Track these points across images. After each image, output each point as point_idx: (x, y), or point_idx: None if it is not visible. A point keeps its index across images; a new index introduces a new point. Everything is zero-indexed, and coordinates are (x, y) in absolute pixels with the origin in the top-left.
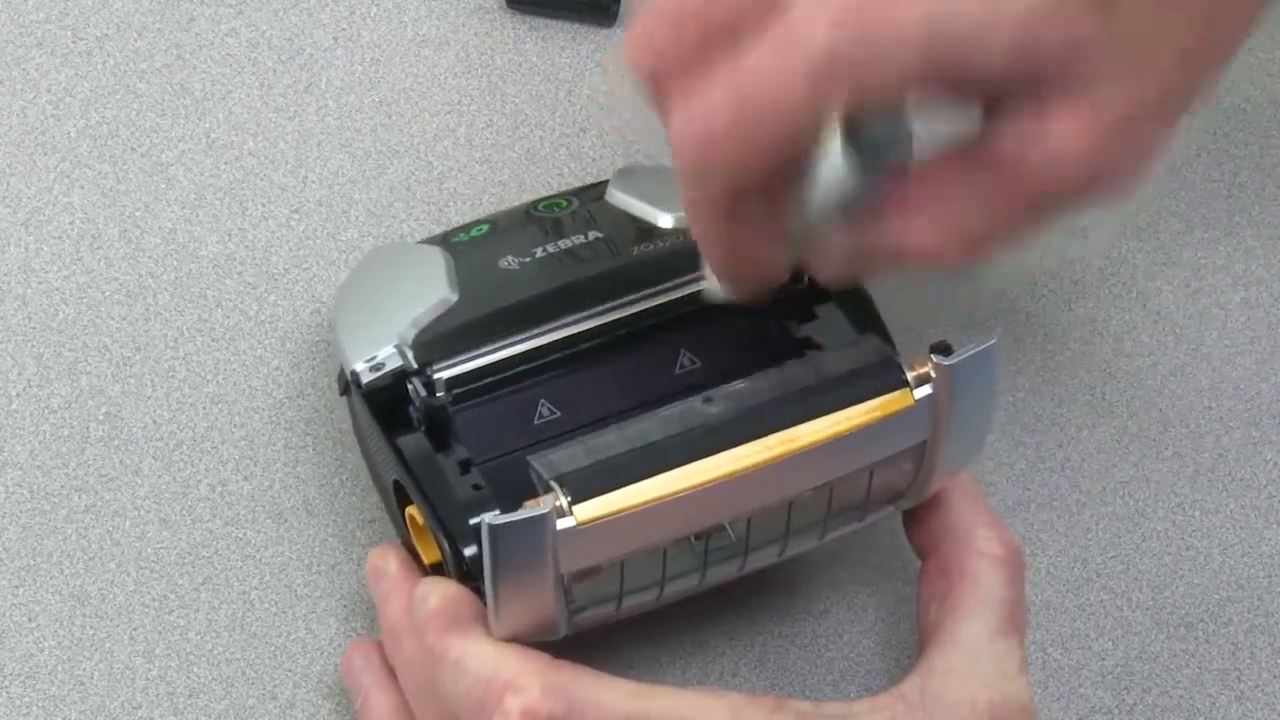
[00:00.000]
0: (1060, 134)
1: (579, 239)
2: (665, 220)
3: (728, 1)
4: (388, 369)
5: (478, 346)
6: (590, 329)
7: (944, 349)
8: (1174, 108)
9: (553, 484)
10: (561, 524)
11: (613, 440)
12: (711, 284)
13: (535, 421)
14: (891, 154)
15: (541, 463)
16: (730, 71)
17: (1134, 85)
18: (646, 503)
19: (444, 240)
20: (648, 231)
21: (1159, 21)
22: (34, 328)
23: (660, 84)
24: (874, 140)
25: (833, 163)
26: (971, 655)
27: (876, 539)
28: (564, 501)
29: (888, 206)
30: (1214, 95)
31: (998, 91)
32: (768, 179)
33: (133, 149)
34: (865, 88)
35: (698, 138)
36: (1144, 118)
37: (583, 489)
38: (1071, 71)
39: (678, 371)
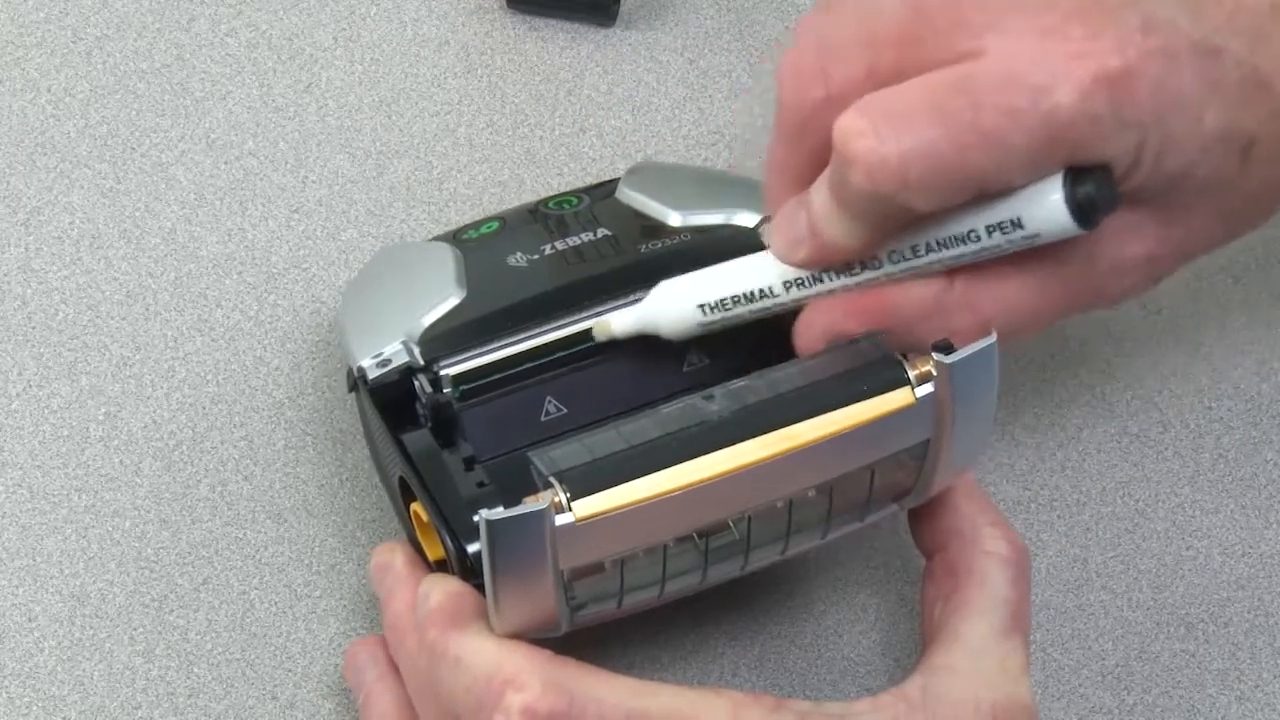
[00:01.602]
0: (1134, 247)
1: (588, 236)
2: (674, 218)
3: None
4: (394, 365)
5: (485, 343)
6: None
7: (945, 347)
8: (1237, 235)
9: (552, 480)
10: (561, 520)
11: (613, 437)
12: (620, 321)
13: (542, 418)
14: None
15: (541, 459)
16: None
17: (1223, 226)
18: (646, 499)
19: (453, 237)
20: (657, 229)
21: (1269, 180)
22: (34, 328)
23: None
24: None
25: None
26: (975, 655)
27: (877, 539)
28: (563, 498)
29: (956, 276)
30: None
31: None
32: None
33: (133, 149)
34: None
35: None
36: (1205, 244)
37: (582, 485)
38: (1176, 183)
39: (685, 369)
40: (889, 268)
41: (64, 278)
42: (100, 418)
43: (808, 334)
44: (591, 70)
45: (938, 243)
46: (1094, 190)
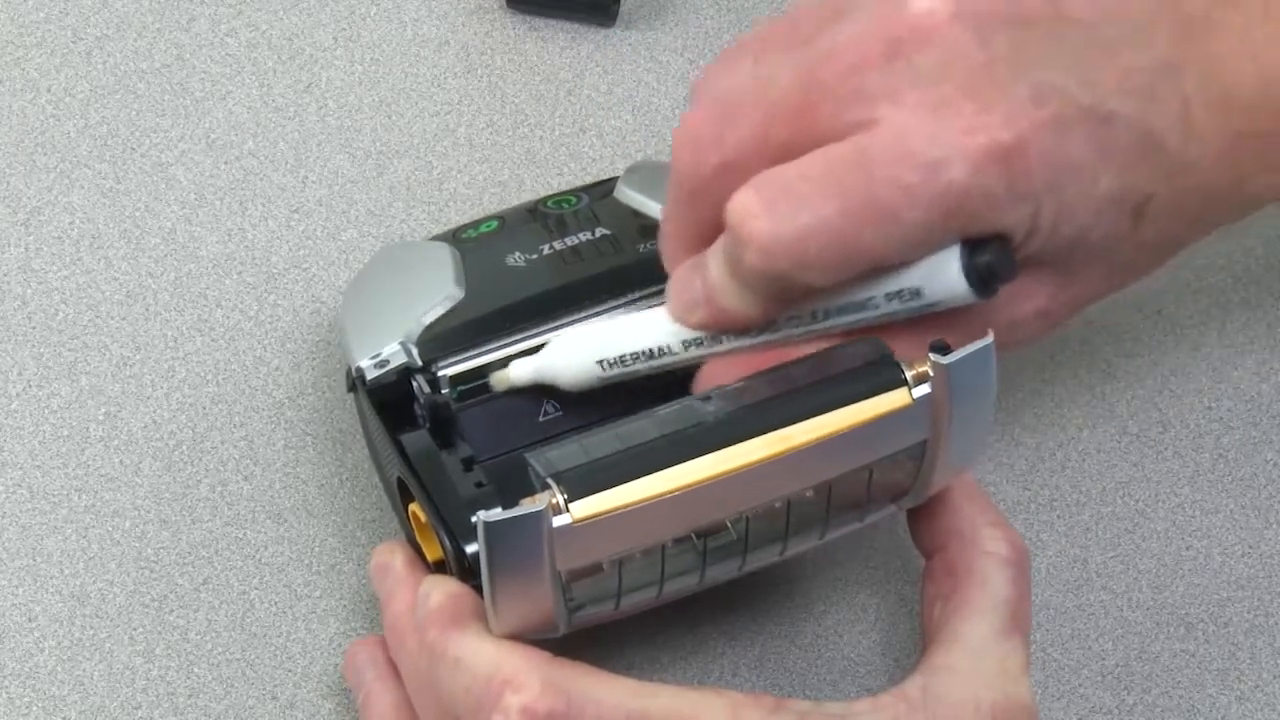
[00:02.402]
0: (1030, 303)
1: (586, 236)
2: None
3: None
4: (392, 366)
5: (483, 343)
6: None
7: (942, 348)
8: (1130, 282)
9: (550, 481)
10: (558, 521)
11: (610, 438)
12: (519, 371)
13: (540, 419)
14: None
15: (539, 460)
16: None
17: (1116, 278)
18: (643, 500)
19: (452, 237)
20: (655, 229)
21: (1162, 234)
22: (34, 328)
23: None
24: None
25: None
26: (975, 655)
27: (877, 539)
28: (561, 499)
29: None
30: None
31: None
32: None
33: (133, 149)
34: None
35: (792, 240)
36: (1100, 295)
37: (579, 486)
38: (1070, 244)
39: (681, 371)
40: (788, 330)
41: (64, 278)
42: (100, 418)
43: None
44: (591, 70)
45: (837, 309)
46: (992, 260)
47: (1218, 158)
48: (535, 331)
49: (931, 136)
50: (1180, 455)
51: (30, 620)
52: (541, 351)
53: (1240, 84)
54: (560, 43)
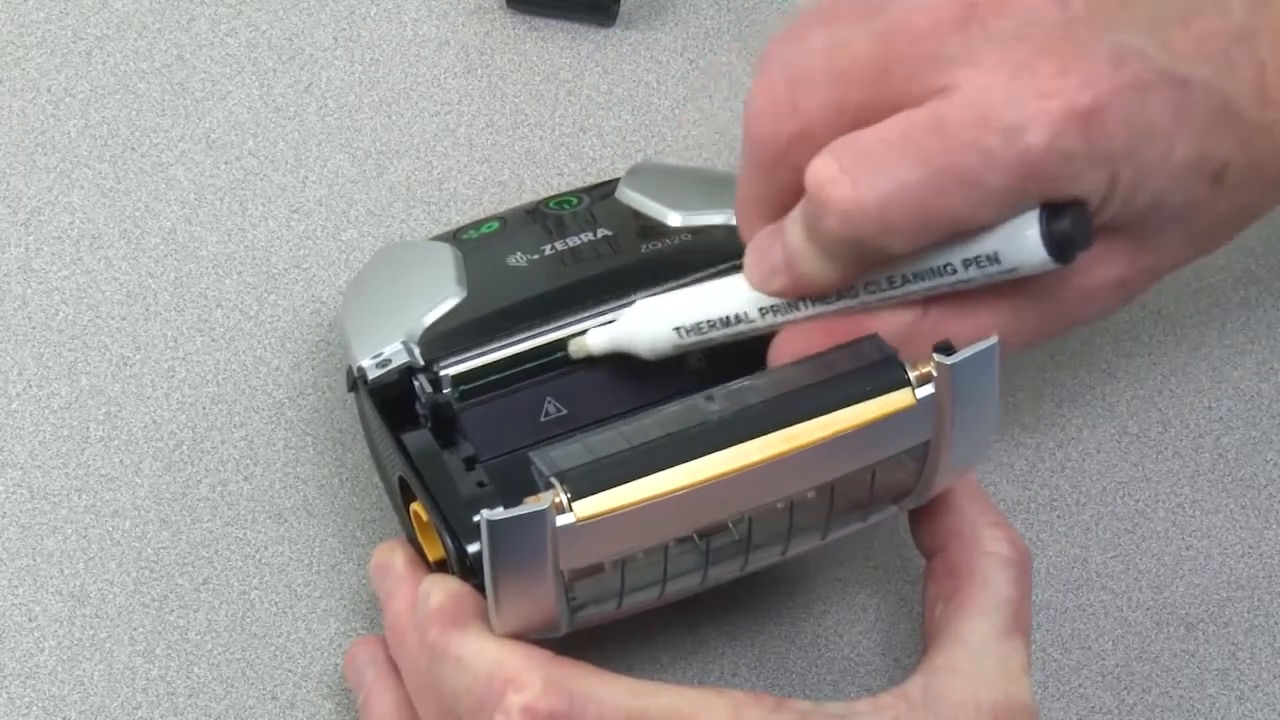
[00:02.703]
0: (1107, 272)
1: (588, 236)
2: (674, 219)
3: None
4: (394, 365)
5: (485, 343)
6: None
7: (946, 348)
8: (1205, 254)
9: (553, 480)
10: (561, 520)
11: (614, 437)
12: (597, 339)
13: (542, 419)
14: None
15: (542, 459)
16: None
17: (1193, 247)
18: (646, 500)
19: (453, 237)
20: (657, 230)
21: (1239, 201)
22: (34, 328)
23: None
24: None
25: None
26: (976, 655)
27: (877, 539)
28: (564, 498)
29: (930, 304)
30: None
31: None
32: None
33: (133, 149)
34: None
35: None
36: (1174, 266)
37: (583, 486)
38: (1147, 212)
39: (686, 369)
40: (865, 297)
41: (64, 278)
42: (100, 418)
43: (781, 360)
44: (591, 70)
45: (914, 275)
46: (1070, 226)
47: None
48: (537, 331)
49: (1010, 100)
50: (1180, 455)
51: (30, 620)
52: (619, 319)
53: None
54: (560, 43)
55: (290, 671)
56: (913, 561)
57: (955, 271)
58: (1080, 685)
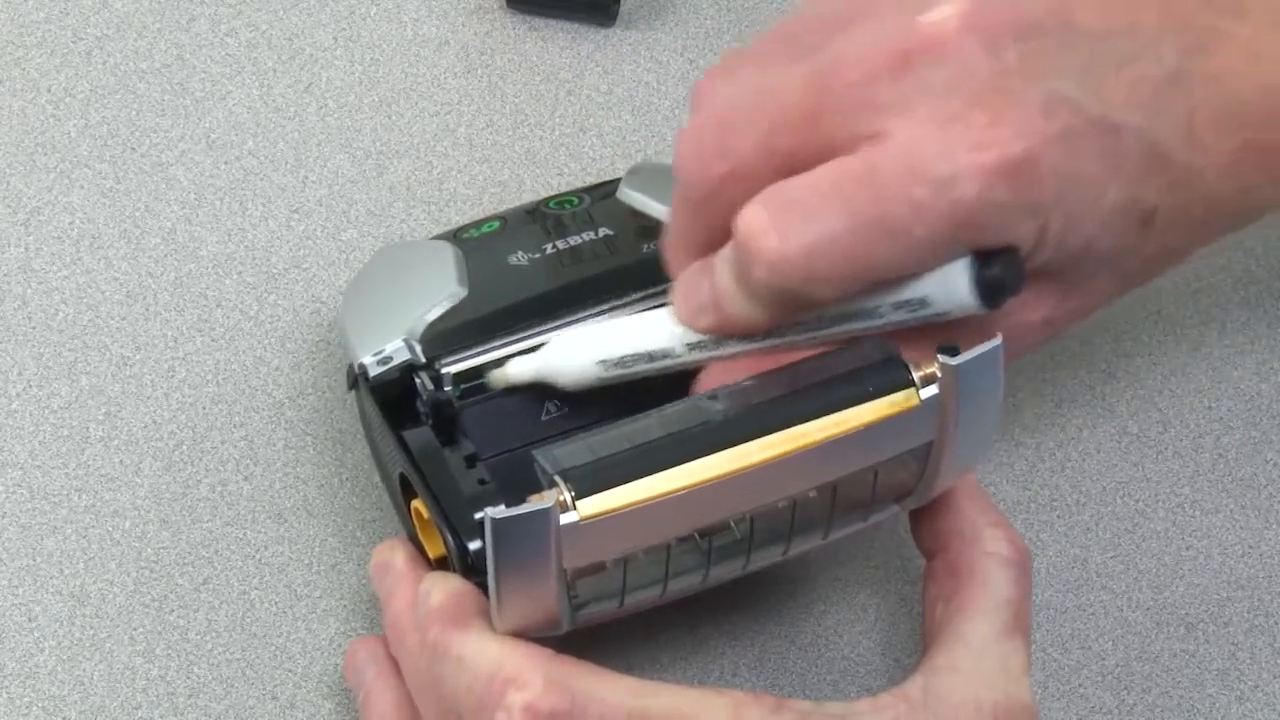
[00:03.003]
0: (1036, 311)
1: (589, 236)
2: None
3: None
4: (395, 363)
5: (486, 341)
6: None
7: (950, 349)
8: (1134, 288)
9: (557, 479)
10: (565, 519)
11: (617, 436)
12: (518, 370)
13: (542, 417)
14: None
15: (546, 457)
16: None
17: (1119, 286)
18: (650, 499)
19: (454, 236)
20: (657, 229)
21: (1168, 243)
22: (34, 328)
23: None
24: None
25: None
26: (977, 655)
27: (877, 539)
28: (568, 496)
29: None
30: None
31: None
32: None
33: (133, 149)
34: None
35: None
36: (1103, 303)
37: (586, 484)
38: (1076, 254)
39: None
40: (792, 337)
41: (64, 278)
42: (100, 418)
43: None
44: (591, 70)
45: (842, 316)
46: (1001, 272)
47: (1223, 168)
48: (538, 330)
49: (942, 152)
50: (1180, 455)
51: (30, 620)
52: (541, 350)
53: (1246, 95)
54: (560, 43)
55: (290, 671)
56: (913, 561)
57: (884, 315)
58: (1080, 685)
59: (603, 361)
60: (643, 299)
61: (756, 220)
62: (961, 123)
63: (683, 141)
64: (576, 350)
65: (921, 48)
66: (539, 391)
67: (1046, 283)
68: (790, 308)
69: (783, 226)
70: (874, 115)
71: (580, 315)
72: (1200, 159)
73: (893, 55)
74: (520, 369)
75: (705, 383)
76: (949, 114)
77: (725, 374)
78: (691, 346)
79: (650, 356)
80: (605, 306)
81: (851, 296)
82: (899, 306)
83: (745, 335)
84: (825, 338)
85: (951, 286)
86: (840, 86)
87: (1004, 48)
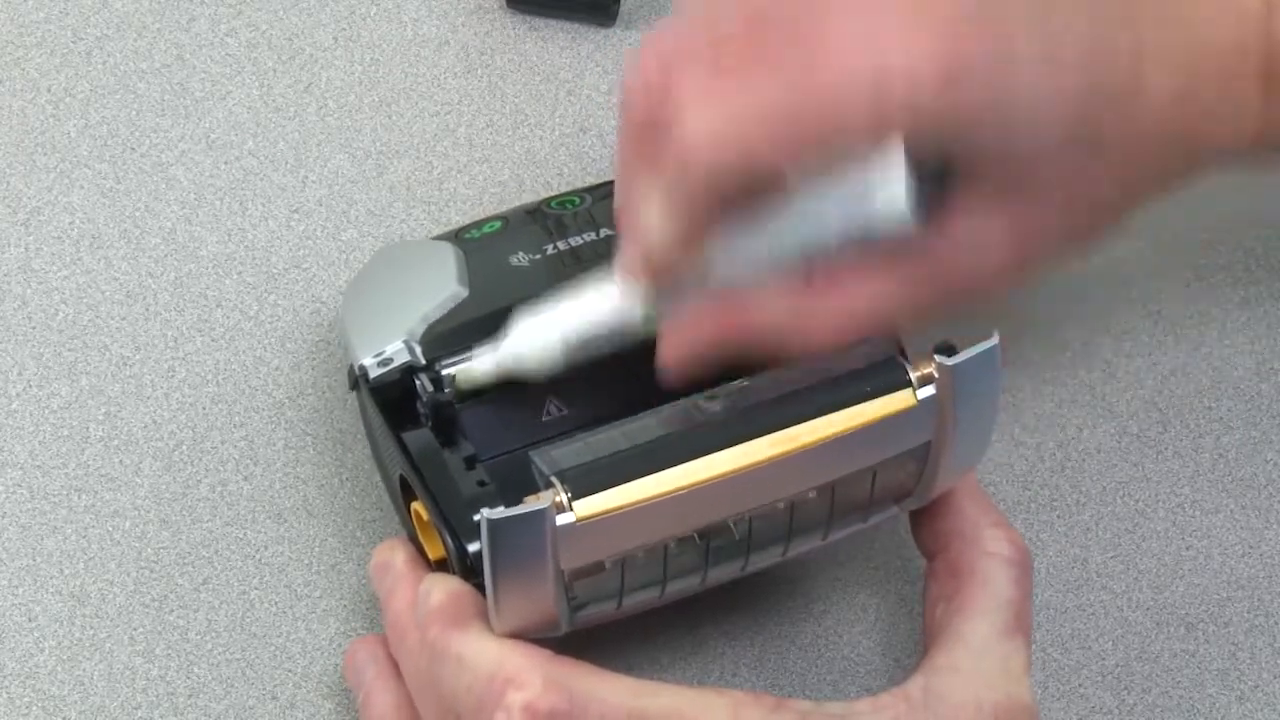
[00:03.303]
0: (990, 235)
1: (589, 236)
2: None
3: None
4: (395, 364)
5: (486, 342)
6: None
7: (947, 349)
8: (1094, 233)
9: (553, 479)
10: (561, 520)
11: (615, 437)
12: (482, 365)
13: (543, 419)
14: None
15: (543, 458)
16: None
17: (1073, 220)
18: (647, 500)
19: (455, 237)
20: None
21: (1115, 177)
22: (34, 328)
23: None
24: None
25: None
26: (977, 655)
27: (877, 539)
28: (564, 497)
29: (814, 280)
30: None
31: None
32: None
33: (133, 149)
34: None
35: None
36: (1063, 238)
37: (583, 485)
38: (1025, 175)
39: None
40: (740, 270)
41: (64, 278)
42: (100, 418)
43: (672, 361)
44: (591, 70)
45: (779, 237)
46: (928, 184)
47: (1167, 103)
48: None
49: (880, 50)
50: (1180, 455)
51: (30, 620)
52: (504, 340)
53: (1192, 33)
54: (560, 43)
55: (290, 671)
56: (913, 562)
57: (818, 231)
58: (1080, 685)
59: (565, 341)
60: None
61: (689, 95)
62: (898, 26)
63: (628, 80)
64: (538, 334)
65: None
66: (539, 392)
67: (995, 204)
68: (714, 212)
69: (716, 98)
70: (812, 20)
71: None
72: (1145, 94)
73: None
74: (485, 364)
75: (664, 352)
76: (887, 15)
77: (684, 337)
78: (648, 314)
79: (610, 330)
80: None
81: (786, 215)
82: (829, 215)
83: (684, 277)
84: (765, 269)
85: (883, 197)
86: (775, 2)
87: None
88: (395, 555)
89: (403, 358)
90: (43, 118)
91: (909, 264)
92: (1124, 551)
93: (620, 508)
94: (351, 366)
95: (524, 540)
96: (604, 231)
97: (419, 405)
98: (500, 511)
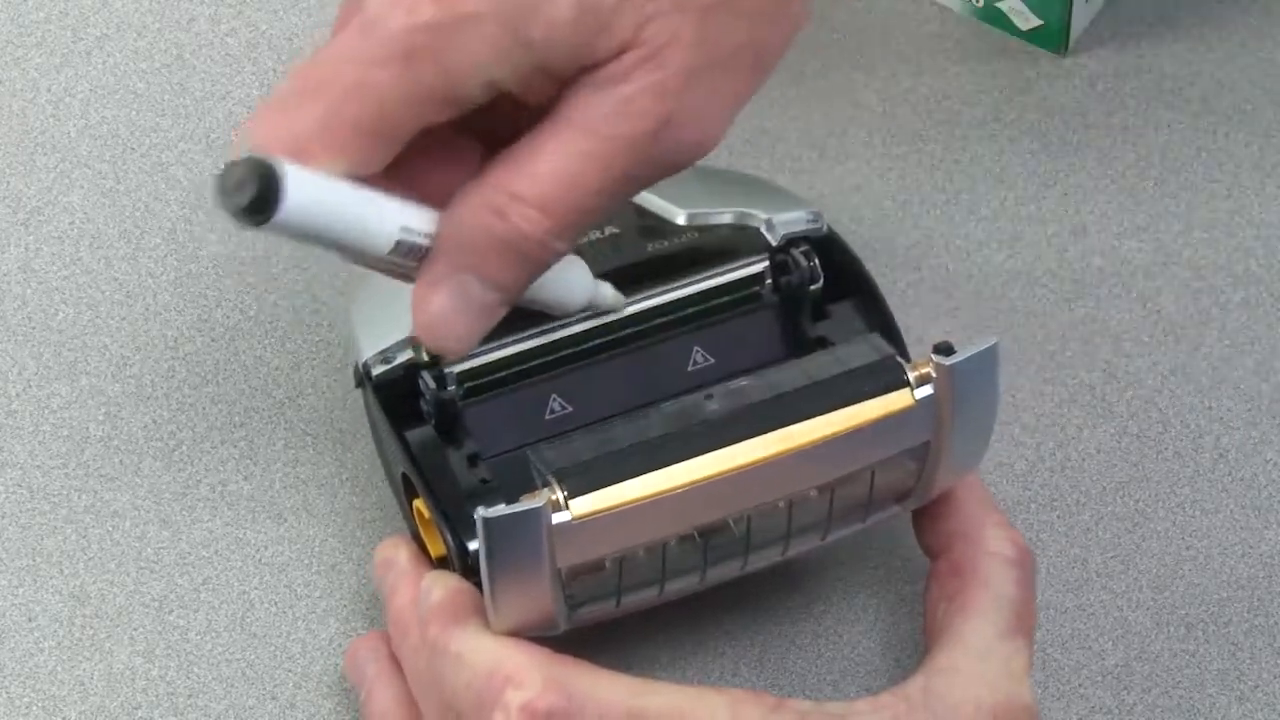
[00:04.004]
0: (633, 85)
1: (594, 234)
2: (680, 217)
3: None
4: (399, 361)
5: (490, 340)
6: (603, 324)
7: (945, 349)
8: (736, 70)
9: (550, 478)
10: (557, 518)
11: (612, 435)
12: None
13: (546, 417)
14: None
15: (540, 457)
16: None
17: (696, 38)
18: (643, 498)
19: None
20: (663, 228)
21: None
22: (34, 328)
23: None
24: None
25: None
26: (978, 656)
27: (877, 539)
28: (560, 496)
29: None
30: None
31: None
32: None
33: (133, 149)
34: (452, 66)
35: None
36: (706, 72)
37: (580, 483)
38: (640, 31)
39: (690, 368)
40: None
41: (64, 278)
42: (100, 418)
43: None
44: None
45: None
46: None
47: None
48: (543, 329)
49: None
50: (1180, 455)
51: (30, 620)
52: None
53: None
54: None
55: (290, 671)
56: (913, 562)
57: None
58: (1080, 685)
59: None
60: (647, 297)
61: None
62: None
63: None
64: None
65: None
66: (543, 390)
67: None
68: None
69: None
70: None
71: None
72: None
73: None
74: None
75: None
76: None
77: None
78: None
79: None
80: None
81: None
82: None
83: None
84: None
85: None
86: None
87: None
88: (398, 553)
89: (406, 355)
90: (43, 118)
91: (568, 132)
92: (1124, 551)
93: (617, 506)
94: (356, 364)
95: (520, 538)
96: (608, 229)
97: (422, 403)
98: (496, 509)
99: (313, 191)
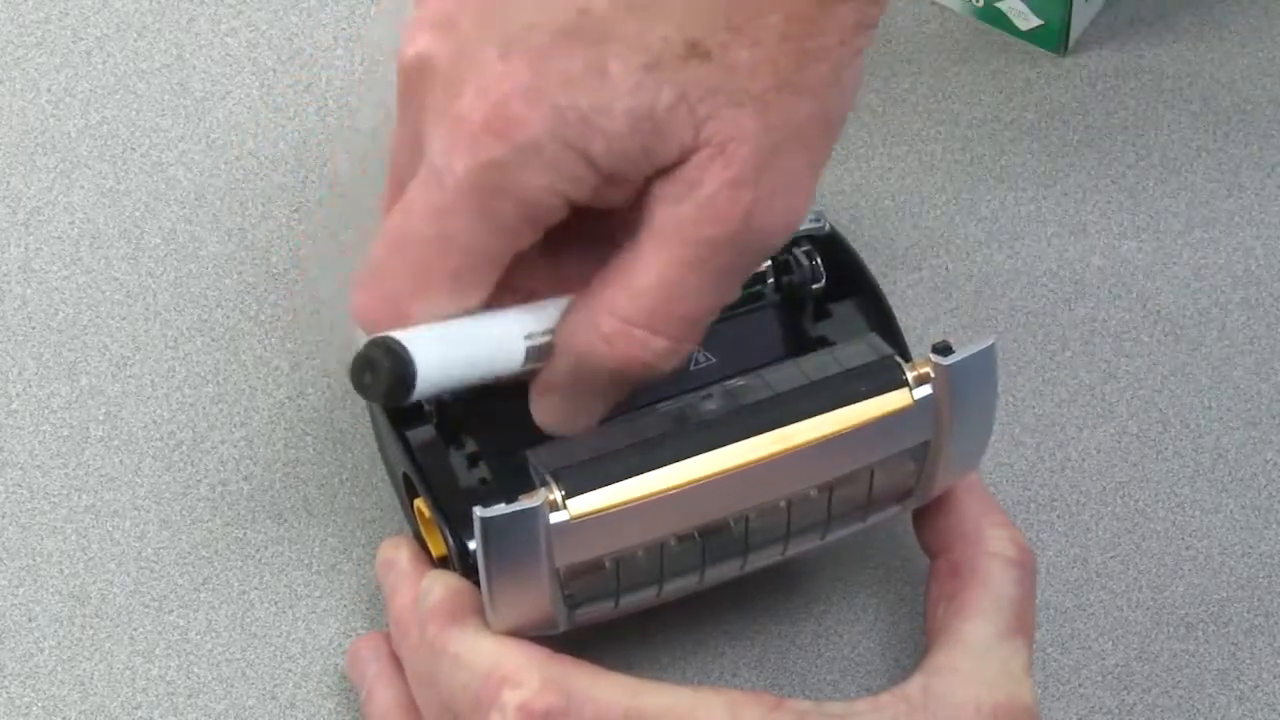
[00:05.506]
0: (708, 186)
1: None
2: None
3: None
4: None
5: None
6: None
7: (944, 349)
8: (808, 142)
9: (548, 478)
10: (555, 518)
11: (611, 435)
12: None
13: None
14: None
15: (538, 456)
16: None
17: (760, 126)
18: (641, 498)
19: None
20: None
21: (757, 59)
22: (34, 328)
23: None
24: None
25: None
26: (978, 656)
27: (877, 539)
28: (558, 495)
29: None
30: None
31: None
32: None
33: (133, 149)
34: (523, 196)
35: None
36: (778, 155)
37: (577, 483)
38: (700, 131)
39: (692, 368)
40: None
41: (64, 278)
42: (100, 418)
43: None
44: None
45: None
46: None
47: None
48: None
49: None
50: (1180, 455)
51: (30, 620)
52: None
53: None
54: None
55: (290, 671)
56: (913, 562)
57: None
58: (1080, 685)
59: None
60: None
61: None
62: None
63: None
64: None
65: None
66: None
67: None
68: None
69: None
70: None
71: None
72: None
73: None
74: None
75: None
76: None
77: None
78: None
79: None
80: None
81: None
82: None
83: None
84: None
85: None
86: None
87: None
88: (399, 552)
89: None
90: (43, 118)
91: (658, 223)
92: (1124, 551)
93: (615, 506)
94: None
95: (518, 538)
96: None
97: (424, 402)
98: (494, 509)
99: (438, 350)
